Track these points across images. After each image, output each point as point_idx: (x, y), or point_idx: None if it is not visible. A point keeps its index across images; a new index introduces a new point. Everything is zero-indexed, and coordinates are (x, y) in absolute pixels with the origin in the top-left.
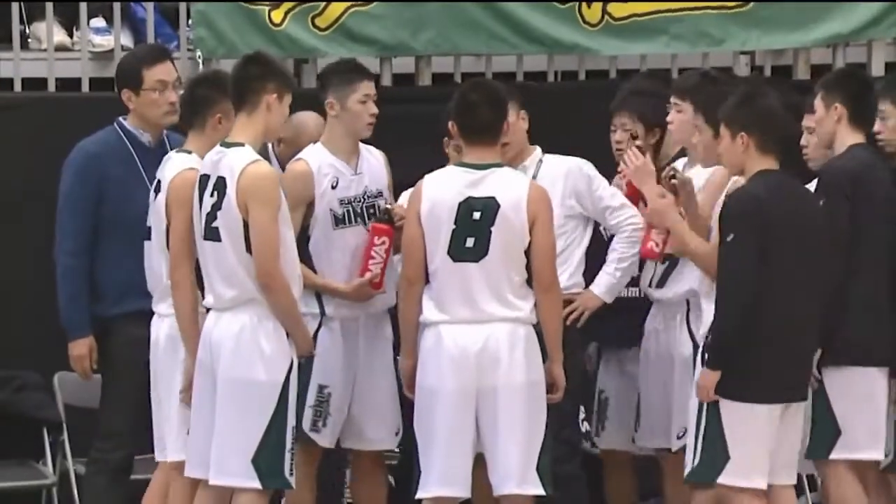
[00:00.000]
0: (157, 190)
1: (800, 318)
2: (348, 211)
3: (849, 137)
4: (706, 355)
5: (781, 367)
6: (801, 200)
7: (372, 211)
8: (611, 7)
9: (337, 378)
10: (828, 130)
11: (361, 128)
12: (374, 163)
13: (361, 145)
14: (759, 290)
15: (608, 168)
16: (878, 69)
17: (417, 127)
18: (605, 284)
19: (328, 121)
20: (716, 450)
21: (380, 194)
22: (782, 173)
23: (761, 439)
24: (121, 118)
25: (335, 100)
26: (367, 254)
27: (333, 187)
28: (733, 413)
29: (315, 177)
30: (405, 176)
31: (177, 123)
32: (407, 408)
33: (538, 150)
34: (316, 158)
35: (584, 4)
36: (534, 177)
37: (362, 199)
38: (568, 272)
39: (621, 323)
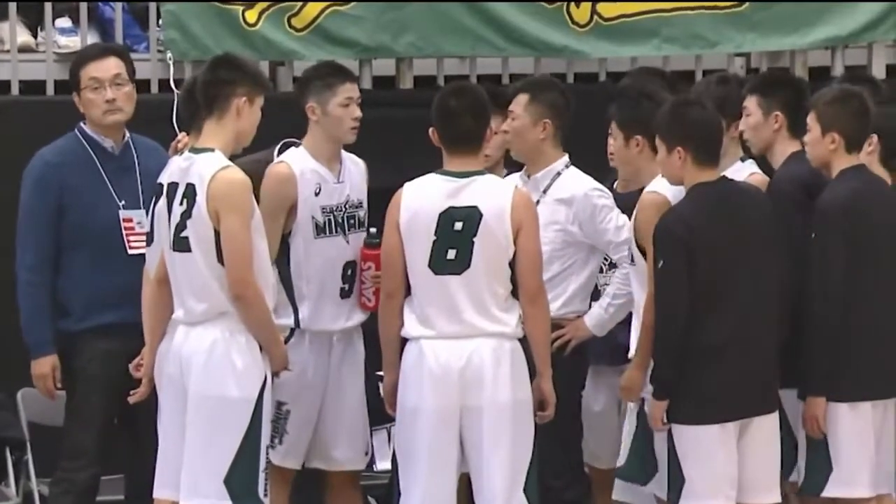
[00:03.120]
0: (158, 194)
1: (743, 335)
2: (330, 220)
3: (788, 145)
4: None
5: (724, 386)
6: (738, 210)
7: (352, 222)
8: (600, 7)
9: (301, 396)
10: (765, 138)
11: (344, 132)
12: (355, 172)
13: (343, 152)
14: (696, 310)
15: (598, 174)
16: (878, 72)
17: (398, 132)
18: (596, 318)
19: (310, 126)
20: (672, 473)
21: (360, 205)
22: (721, 183)
23: (715, 459)
24: (81, 123)
25: (316, 104)
26: (360, 279)
27: (316, 194)
28: (682, 436)
29: (298, 181)
30: (385, 183)
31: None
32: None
33: (559, 162)
34: (298, 163)
35: (572, 5)
36: (545, 190)
37: (343, 209)
38: (562, 299)
39: (612, 339)
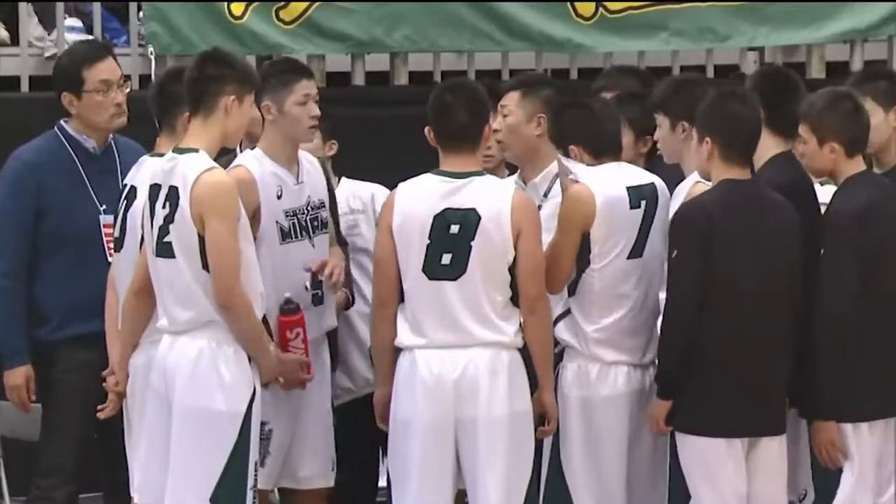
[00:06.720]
0: (130, 197)
1: (755, 344)
2: (294, 224)
3: (771, 145)
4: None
5: (734, 397)
6: (764, 216)
7: (316, 224)
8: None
9: (280, 413)
10: None
11: (301, 133)
12: (313, 171)
13: (300, 151)
14: (707, 311)
15: None
16: None
17: (392, 130)
18: None
19: (266, 126)
20: (675, 487)
21: (322, 205)
22: (749, 183)
23: (723, 475)
24: (62, 122)
25: (271, 102)
26: (289, 349)
27: (279, 197)
28: (688, 448)
29: (258, 185)
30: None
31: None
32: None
33: (555, 164)
34: (256, 166)
35: None
36: (545, 194)
37: (306, 211)
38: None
39: None
